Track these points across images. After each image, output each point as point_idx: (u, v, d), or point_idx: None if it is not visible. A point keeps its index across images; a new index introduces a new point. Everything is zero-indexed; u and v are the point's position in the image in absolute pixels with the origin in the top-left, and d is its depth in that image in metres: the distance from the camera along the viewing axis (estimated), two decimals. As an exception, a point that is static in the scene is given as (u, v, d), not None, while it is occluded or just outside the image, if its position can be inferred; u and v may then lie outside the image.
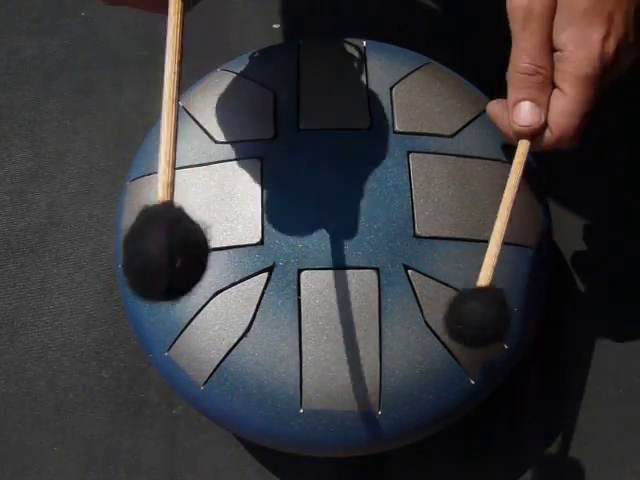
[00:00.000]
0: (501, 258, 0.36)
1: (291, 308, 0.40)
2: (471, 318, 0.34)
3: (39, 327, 0.55)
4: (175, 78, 0.29)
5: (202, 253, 0.26)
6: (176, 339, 0.41)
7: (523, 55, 0.38)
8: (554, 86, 0.38)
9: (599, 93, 0.38)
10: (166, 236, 0.24)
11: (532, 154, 0.48)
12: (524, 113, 0.38)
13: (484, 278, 0.36)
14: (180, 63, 0.29)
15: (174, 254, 0.24)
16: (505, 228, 0.37)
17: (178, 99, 0.29)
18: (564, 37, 0.37)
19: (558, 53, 0.38)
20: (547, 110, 0.38)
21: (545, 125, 0.38)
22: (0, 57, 0.65)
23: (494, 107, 0.42)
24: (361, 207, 0.41)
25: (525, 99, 0.38)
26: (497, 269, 0.42)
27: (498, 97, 0.49)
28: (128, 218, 0.45)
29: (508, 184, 0.38)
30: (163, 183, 0.27)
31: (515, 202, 0.37)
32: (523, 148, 0.39)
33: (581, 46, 0.37)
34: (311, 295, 0.40)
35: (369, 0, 0.67)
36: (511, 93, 0.39)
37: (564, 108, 0.37)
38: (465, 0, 0.64)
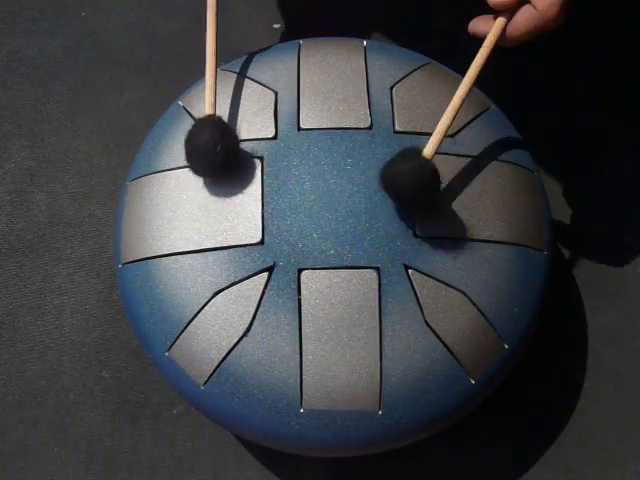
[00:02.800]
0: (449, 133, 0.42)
1: (291, 308, 0.40)
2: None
3: (39, 327, 0.55)
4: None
5: (234, 142, 0.42)
6: (176, 339, 0.41)
7: None
8: None
9: None
10: (211, 132, 0.40)
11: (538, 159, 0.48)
12: None
13: (428, 149, 0.41)
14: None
15: (216, 141, 0.40)
16: (465, 94, 0.41)
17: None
18: None
19: None
20: None
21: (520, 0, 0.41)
22: (0, 57, 0.65)
23: (473, 24, 0.44)
24: (361, 207, 0.41)
25: None
26: (497, 267, 0.42)
27: (497, 98, 0.49)
28: (128, 218, 0.45)
29: (478, 55, 0.42)
30: (209, 104, 0.42)
31: (479, 75, 0.41)
32: (499, 25, 0.42)
33: None
34: (311, 295, 0.40)
35: (369, 0, 0.67)
36: None
37: None
38: (465, 1, 0.64)
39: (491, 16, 0.43)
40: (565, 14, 0.40)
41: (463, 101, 0.41)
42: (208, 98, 0.42)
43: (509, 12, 0.42)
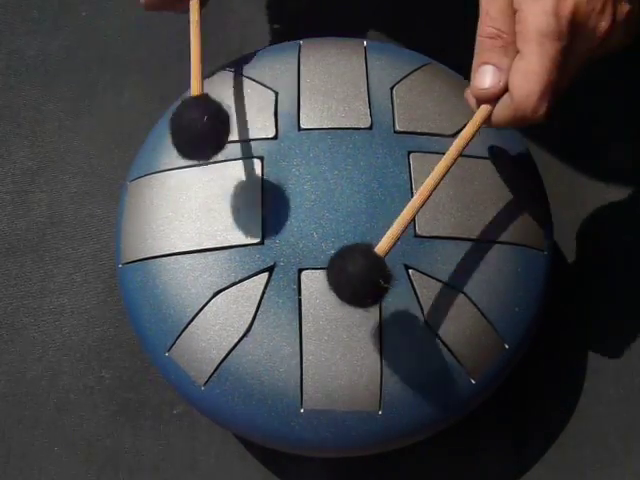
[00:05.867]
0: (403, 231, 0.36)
1: (292, 308, 0.40)
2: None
3: (39, 327, 0.55)
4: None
5: (225, 119, 0.38)
6: (176, 339, 0.41)
7: (487, 19, 0.37)
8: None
9: (573, 63, 0.36)
10: (200, 109, 0.37)
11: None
12: (484, 76, 0.37)
13: (383, 244, 0.36)
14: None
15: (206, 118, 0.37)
16: (434, 186, 0.37)
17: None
18: None
19: (517, 14, 0.36)
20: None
21: (505, 90, 0.37)
22: (0, 57, 0.65)
23: (467, 94, 0.40)
24: (361, 207, 0.41)
25: (486, 63, 0.37)
26: (498, 267, 0.42)
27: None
28: (128, 218, 0.45)
29: (454, 144, 0.38)
30: (195, 88, 0.39)
31: (451, 164, 0.38)
32: (482, 112, 0.38)
33: (534, 2, 0.35)
34: (312, 295, 0.40)
35: (369, 0, 0.67)
36: (475, 58, 0.38)
37: (522, 69, 0.36)
38: (465, 0, 0.64)
39: None
40: (550, 106, 0.35)
41: (429, 195, 0.37)
42: (194, 81, 0.39)
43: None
